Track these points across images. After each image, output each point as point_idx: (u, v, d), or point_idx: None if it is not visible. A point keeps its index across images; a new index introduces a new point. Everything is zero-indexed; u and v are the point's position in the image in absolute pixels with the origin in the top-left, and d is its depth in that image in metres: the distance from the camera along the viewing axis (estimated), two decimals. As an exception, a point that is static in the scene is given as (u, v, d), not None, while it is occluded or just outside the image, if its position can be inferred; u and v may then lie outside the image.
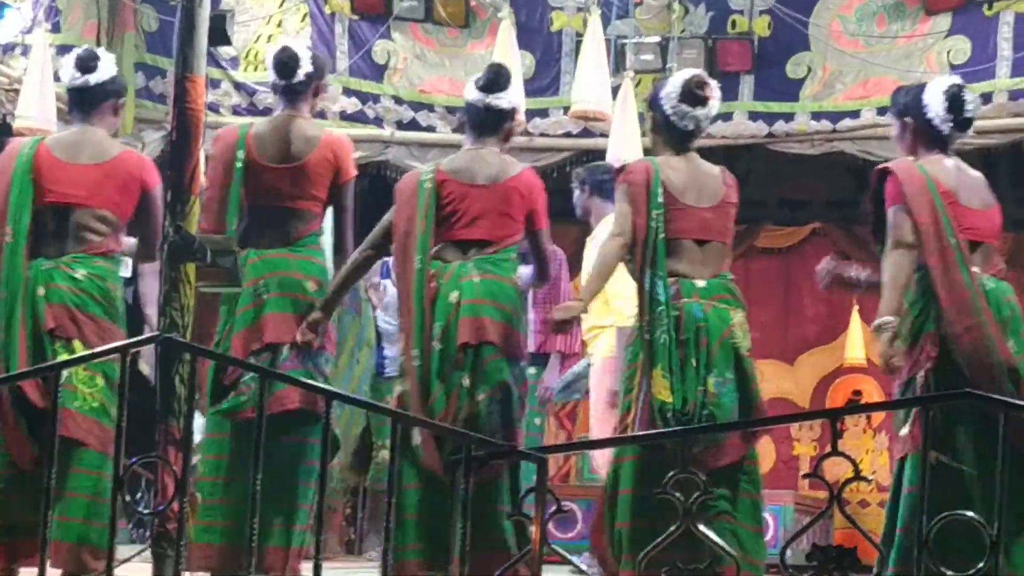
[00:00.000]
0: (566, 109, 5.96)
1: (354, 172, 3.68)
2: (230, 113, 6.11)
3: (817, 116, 5.94)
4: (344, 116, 6.21)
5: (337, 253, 3.66)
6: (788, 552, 2.41)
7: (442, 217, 3.39)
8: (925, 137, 3.24)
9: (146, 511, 3.75)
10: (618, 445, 3.36)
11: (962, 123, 3.25)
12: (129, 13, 6.17)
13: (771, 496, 4.63)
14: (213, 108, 5.68)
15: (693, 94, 3.31)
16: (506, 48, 5.61)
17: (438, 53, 6.21)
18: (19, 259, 3.33)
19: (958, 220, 3.11)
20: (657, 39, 5.87)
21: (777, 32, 6.01)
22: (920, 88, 3.32)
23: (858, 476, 2.38)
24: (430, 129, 6.22)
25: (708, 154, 3.65)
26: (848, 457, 2.28)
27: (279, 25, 6.19)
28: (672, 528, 2.25)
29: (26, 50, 5.76)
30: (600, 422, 4.58)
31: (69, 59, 3.58)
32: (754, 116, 6.01)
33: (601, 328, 4.57)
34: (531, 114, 5.91)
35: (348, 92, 6.22)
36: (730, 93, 5.69)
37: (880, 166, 3.34)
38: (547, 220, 3.54)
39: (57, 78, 4.97)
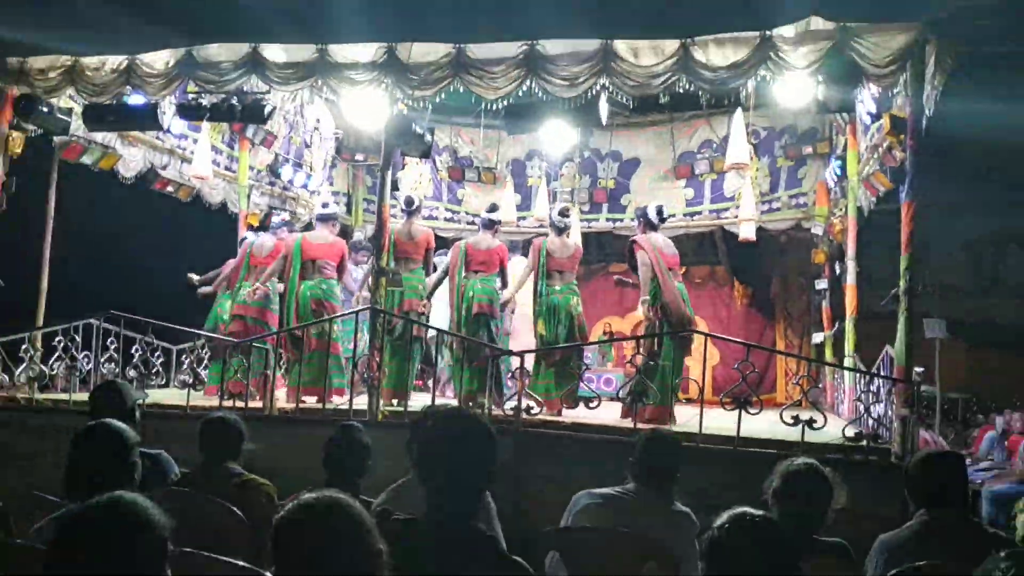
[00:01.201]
0: (533, 217, 12.91)
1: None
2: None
3: (632, 220, 11.67)
4: (445, 219, 13.82)
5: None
6: (621, 392, 7.47)
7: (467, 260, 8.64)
8: (648, 226, 8.17)
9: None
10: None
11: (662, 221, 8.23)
12: (360, 178, 14.18)
13: (616, 370, 11.48)
14: (392, 216, 10.80)
15: (563, 214, 8.42)
16: (509, 192, 13.04)
17: (482, 194, 13.36)
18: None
19: (665, 261, 7.99)
20: (569, 189, 13.40)
21: (617, 186, 13.38)
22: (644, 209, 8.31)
23: (652, 359, 7.32)
24: (478, 223, 11.30)
25: (587, 237, 9.21)
26: (648, 352, 7.26)
27: (420, 183, 13.43)
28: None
29: (319, 193, 12.68)
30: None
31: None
32: (608, 219, 13.40)
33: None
34: (519, 218, 12.97)
35: (447, 210, 13.86)
36: (598, 211, 13.38)
37: (631, 239, 8.25)
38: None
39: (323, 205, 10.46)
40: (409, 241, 8.83)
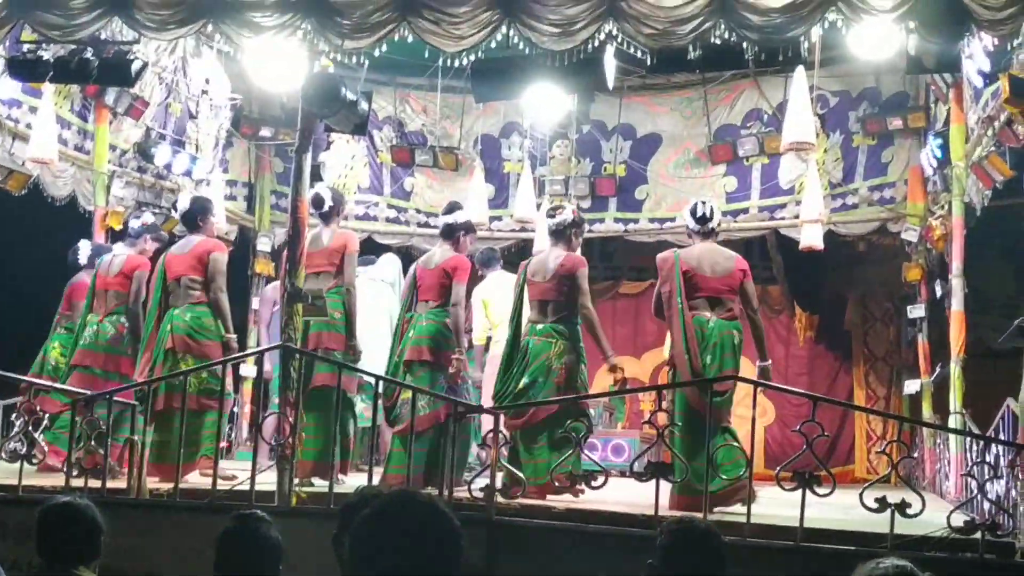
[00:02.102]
0: (511, 216, 13.40)
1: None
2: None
3: (652, 220, 13.59)
4: (387, 220, 14.17)
5: None
6: (636, 464, 7.46)
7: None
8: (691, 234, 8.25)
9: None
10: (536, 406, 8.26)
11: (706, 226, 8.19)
12: (266, 162, 14.20)
13: (627, 433, 11.85)
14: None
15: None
16: (478, 182, 13.06)
17: (440, 184, 13.95)
18: None
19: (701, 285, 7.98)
20: (562, 177, 13.67)
21: (629, 173, 13.83)
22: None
23: (672, 423, 7.31)
24: (435, 228, 11.32)
25: (588, 243, 8.97)
26: (668, 412, 7.25)
27: (351, 169, 13.54)
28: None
29: (209, 183, 12.61)
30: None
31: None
32: (617, 220, 13.90)
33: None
34: (492, 219, 13.22)
35: (389, 207, 14.18)
36: (603, 208, 13.81)
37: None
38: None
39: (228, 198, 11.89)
40: (319, 249, 8.79)
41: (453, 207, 9.20)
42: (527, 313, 8.49)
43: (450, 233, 8.92)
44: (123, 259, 9.38)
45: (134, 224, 9.89)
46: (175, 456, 7.74)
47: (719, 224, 8.43)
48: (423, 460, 8.03)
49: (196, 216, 9.13)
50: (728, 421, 7.80)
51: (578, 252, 8.63)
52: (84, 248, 10.13)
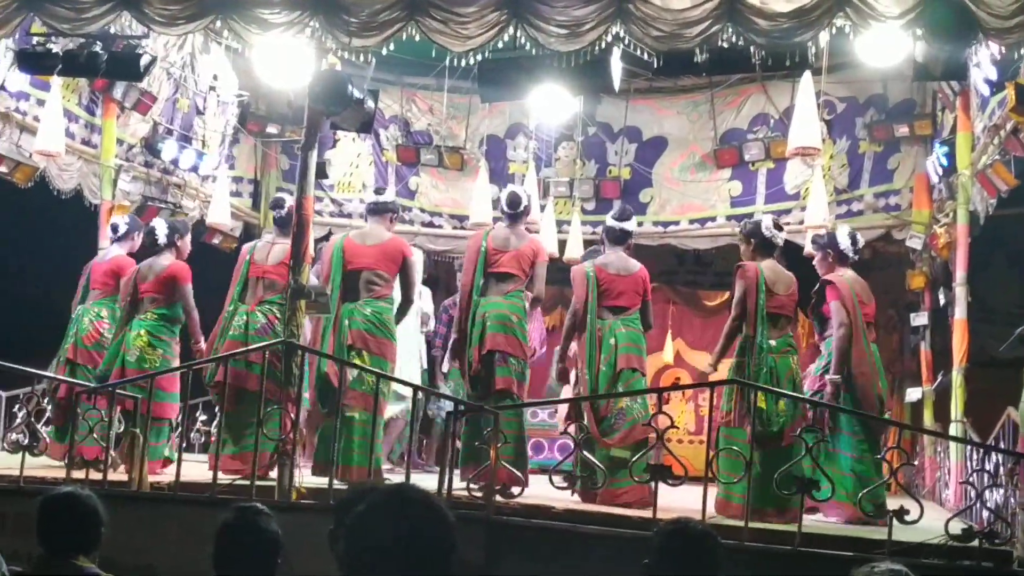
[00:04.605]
0: None
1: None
2: (327, 216, 13.84)
3: (656, 224, 13.56)
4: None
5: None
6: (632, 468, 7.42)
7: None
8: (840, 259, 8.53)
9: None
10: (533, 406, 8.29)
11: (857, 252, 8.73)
12: (272, 159, 14.27)
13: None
14: (317, 213, 11.78)
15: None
16: (483, 183, 12.89)
17: (445, 184, 14.00)
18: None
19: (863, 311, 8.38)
20: (567, 179, 13.64)
21: (634, 176, 13.81)
22: (832, 234, 8.66)
23: (672, 425, 7.31)
24: (439, 227, 13.49)
25: (591, 246, 9.22)
26: (668, 415, 7.24)
27: (357, 167, 13.86)
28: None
29: (215, 179, 12.85)
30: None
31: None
32: None
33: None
34: (496, 219, 11.57)
35: None
36: (607, 210, 11.48)
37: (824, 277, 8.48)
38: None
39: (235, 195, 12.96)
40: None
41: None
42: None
43: (378, 210, 9.08)
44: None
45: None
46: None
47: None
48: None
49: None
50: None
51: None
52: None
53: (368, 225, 9.12)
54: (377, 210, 9.12)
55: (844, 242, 8.44)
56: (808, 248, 11.67)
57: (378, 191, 9.66)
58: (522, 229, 8.90)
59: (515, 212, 8.86)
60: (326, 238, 10.52)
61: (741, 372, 7.86)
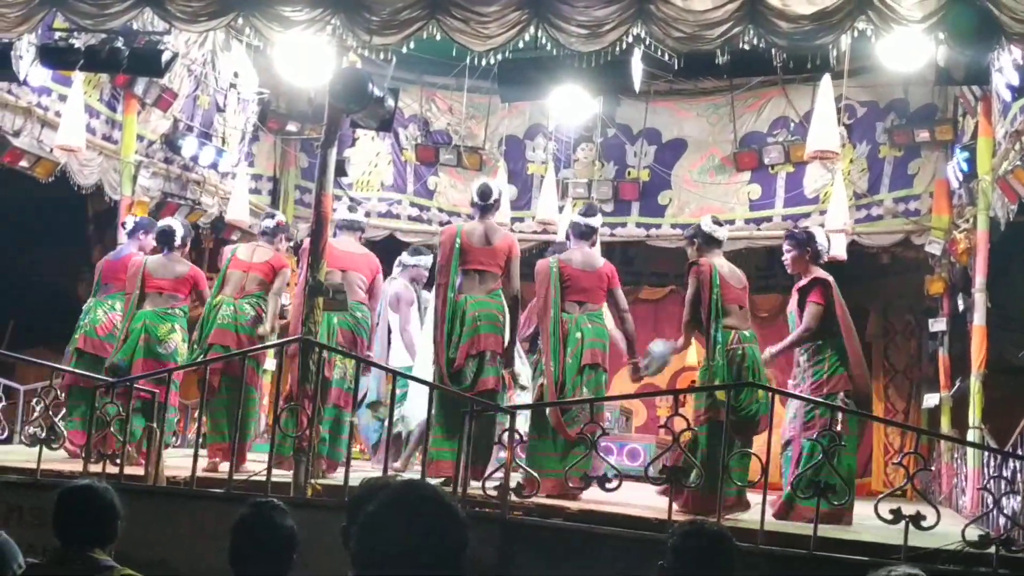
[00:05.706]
0: (533, 218, 13.44)
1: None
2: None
3: (674, 226, 13.53)
4: (410, 218, 14.42)
5: None
6: (650, 469, 7.29)
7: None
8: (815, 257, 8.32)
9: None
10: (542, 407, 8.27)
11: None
12: (292, 156, 14.45)
13: (643, 438, 11.78)
14: (334, 211, 11.35)
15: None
16: (502, 183, 11.77)
17: (464, 184, 13.61)
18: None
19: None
20: (586, 180, 13.86)
21: (653, 178, 13.89)
22: (811, 232, 8.40)
23: (688, 428, 7.30)
24: None
25: (610, 248, 9.00)
26: (684, 417, 7.17)
27: (376, 166, 13.97)
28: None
29: (234, 176, 13.00)
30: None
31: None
32: (639, 225, 14.05)
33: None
34: (514, 220, 13.24)
35: (412, 205, 14.43)
36: (625, 212, 13.89)
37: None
38: None
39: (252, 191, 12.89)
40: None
41: (593, 209, 9.16)
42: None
43: (589, 234, 8.72)
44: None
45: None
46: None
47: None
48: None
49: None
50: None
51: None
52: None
53: (339, 238, 9.18)
54: (350, 226, 9.33)
55: (823, 242, 8.36)
56: (833, 252, 11.66)
57: (351, 208, 9.64)
58: (494, 223, 8.76)
59: (486, 204, 8.67)
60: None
61: (709, 370, 7.87)
